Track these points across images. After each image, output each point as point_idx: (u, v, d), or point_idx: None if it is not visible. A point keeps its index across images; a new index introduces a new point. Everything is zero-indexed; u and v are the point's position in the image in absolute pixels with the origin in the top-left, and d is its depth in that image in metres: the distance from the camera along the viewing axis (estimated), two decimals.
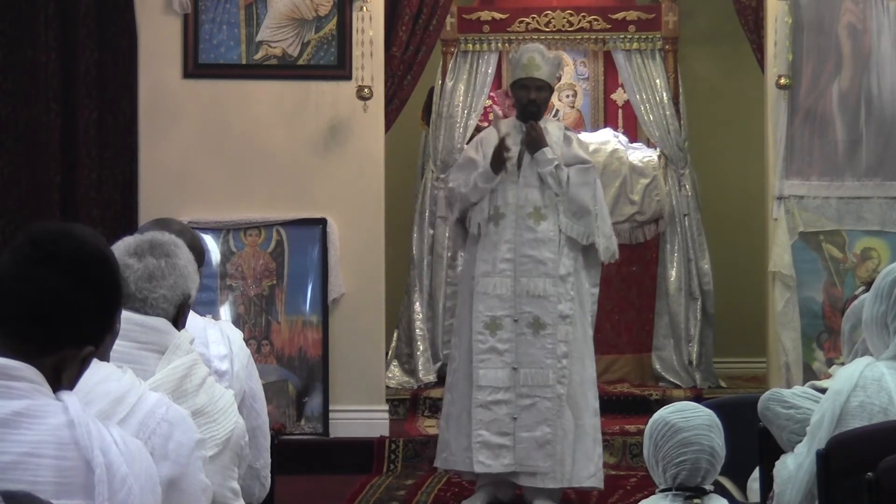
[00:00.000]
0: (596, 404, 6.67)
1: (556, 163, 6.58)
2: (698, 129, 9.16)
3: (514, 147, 6.67)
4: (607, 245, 6.68)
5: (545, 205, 6.60)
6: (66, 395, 2.26)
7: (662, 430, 3.80)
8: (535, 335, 6.53)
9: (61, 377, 2.28)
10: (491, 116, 6.78)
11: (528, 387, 6.52)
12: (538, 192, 6.61)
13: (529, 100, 6.65)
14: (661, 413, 3.87)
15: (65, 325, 2.25)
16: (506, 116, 8.92)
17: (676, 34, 8.95)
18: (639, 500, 6.83)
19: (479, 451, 6.49)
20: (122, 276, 2.32)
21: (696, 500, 3.74)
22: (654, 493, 3.91)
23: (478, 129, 8.77)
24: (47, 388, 2.25)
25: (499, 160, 6.57)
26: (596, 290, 6.79)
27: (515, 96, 6.81)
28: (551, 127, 6.79)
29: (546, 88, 6.70)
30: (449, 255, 8.75)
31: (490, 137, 6.78)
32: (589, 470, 6.55)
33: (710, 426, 3.82)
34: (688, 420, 3.81)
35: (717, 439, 3.81)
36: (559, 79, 6.97)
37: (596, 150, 8.91)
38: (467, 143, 8.75)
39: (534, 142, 6.60)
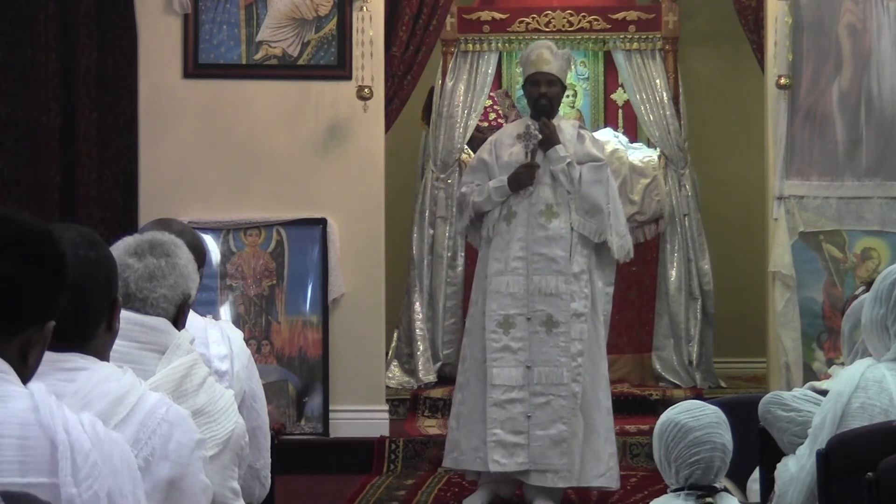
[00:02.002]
0: (608, 403, 6.65)
1: (569, 160, 6.58)
2: (698, 129, 9.16)
3: (518, 144, 6.67)
4: (621, 243, 6.65)
5: (557, 202, 6.59)
6: (32, 384, 2.29)
7: (673, 431, 3.80)
8: (549, 333, 6.52)
9: (28, 358, 2.30)
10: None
11: (543, 385, 6.51)
12: (550, 189, 6.61)
13: (540, 94, 6.66)
14: (669, 414, 3.86)
15: (23, 308, 2.27)
16: (505, 117, 8.95)
17: (676, 34, 8.95)
18: (639, 500, 6.86)
19: (493, 449, 6.48)
20: (64, 246, 2.33)
21: (708, 500, 3.75)
22: (664, 493, 3.91)
23: (478, 129, 8.79)
24: (14, 377, 2.27)
25: (519, 184, 6.57)
26: (610, 290, 6.77)
27: (527, 93, 6.81)
28: (565, 125, 6.78)
29: (557, 83, 6.70)
30: (449, 255, 8.75)
31: (504, 140, 6.77)
32: (598, 469, 6.53)
33: (719, 423, 3.83)
34: (697, 419, 3.81)
35: (725, 435, 3.83)
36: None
37: None
38: (467, 143, 8.78)
39: (546, 139, 6.60)
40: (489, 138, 7.04)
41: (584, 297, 6.56)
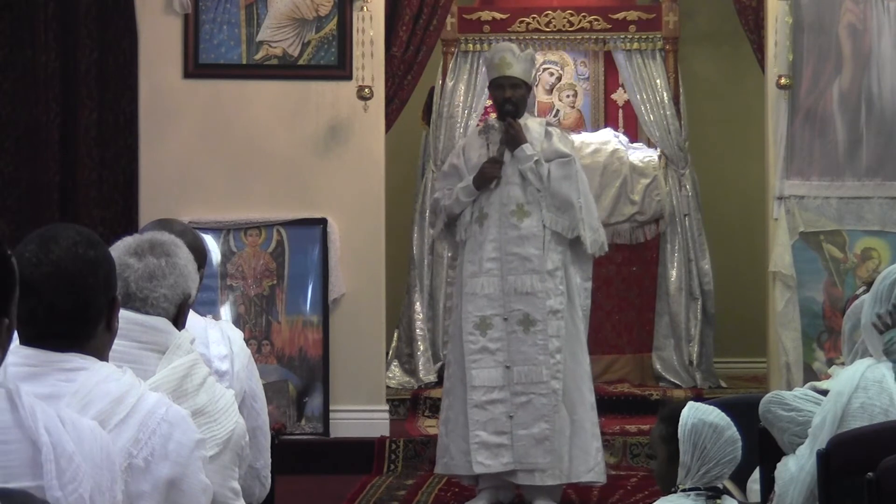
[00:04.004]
0: (592, 398, 6.65)
1: (536, 158, 6.56)
2: (698, 129, 9.16)
3: (492, 146, 6.65)
4: (594, 238, 6.62)
5: (528, 201, 6.58)
6: (9, 382, 2.26)
7: (709, 432, 3.84)
8: (526, 332, 6.52)
9: None
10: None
11: (523, 384, 6.50)
12: (520, 189, 6.59)
13: (505, 98, 6.63)
14: (696, 416, 3.88)
15: None
16: None
17: (676, 34, 8.96)
18: (639, 500, 6.86)
19: (477, 451, 6.47)
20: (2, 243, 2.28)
21: (717, 501, 3.78)
22: (669, 494, 3.92)
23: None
24: None
25: (484, 180, 6.57)
26: (589, 284, 6.74)
27: (492, 97, 6.81)
28: (532, 123, 6.76)
29: (521, 86, 6.66)
30: (449, 255, 8.74)
31: (473, 142, 6.77)
32: (587, 464, 6.54)
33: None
34: (723, 418, 3.88)
35: None
36: (538, 77, 6.96)
37: (596, 150, 8.92)
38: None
39: (513, 139, 6.59)
40: (458, 143, 7.05)
41: (560, 294, 6.56)
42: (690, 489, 3.82)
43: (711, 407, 3.95)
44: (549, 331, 6.51)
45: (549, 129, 6.77)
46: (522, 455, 6.47)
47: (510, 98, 6.62)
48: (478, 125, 8.74)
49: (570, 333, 6.58)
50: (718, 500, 3.81)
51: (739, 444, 3.89)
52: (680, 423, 3.89)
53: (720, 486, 3.87)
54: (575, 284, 6.64)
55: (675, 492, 3.88)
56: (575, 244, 6.63)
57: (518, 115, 6.65)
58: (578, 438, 6.54)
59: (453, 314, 6.83)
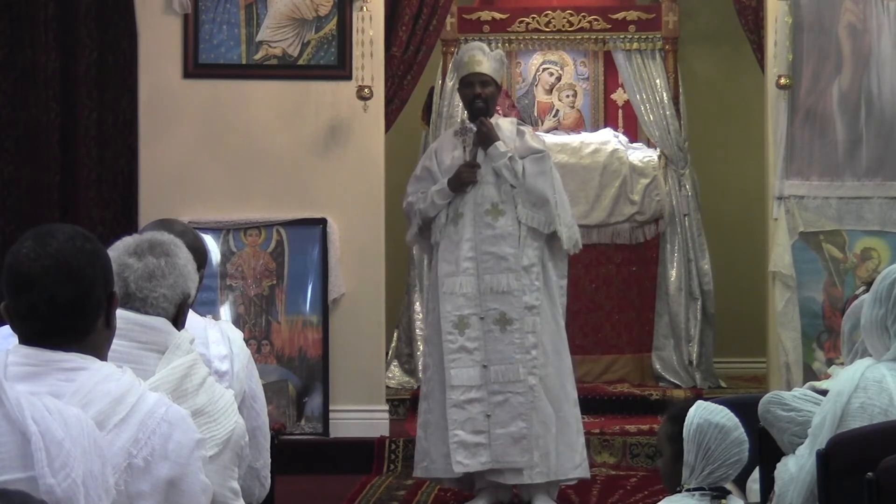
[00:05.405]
0: (574, 395, 6.65)
1: (510, 155, 6.55)
2: (698, 130, 9.16)
3: (458, 148, 6.64)
4: (569, 234, 6.60)
5: (502, 200, 6.57)
6: None
7: (714, 432, 3.83)
8: (503, 331, 6.51)
9: None
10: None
11: (500, 383, 6.49)
12: (494, 188, 6.58)
13: (475, 95, 6.60)
14: (703, 416, 3.87)
15: None
16: (506, 116, 8.94)
17: (676, 34, 8.96)
18: (639, 500, 6.86)
19: (456, 451, 6.46)
20: None
21: (722, 501, 3.78)
22: (667, 493, 3.92)
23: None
24: None
25: (459, 183, 6.56)
26: (564, 282, 6.72)
27: (462, 95, 6.76)
28: (503, 123, 6.75)
29: (491, 83, 6.63)
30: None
31: (446, 145, 6.76)
32: (573, 461, 6.53)
33: (740, 422, 3.90)
34: (730, 419, 3.87)
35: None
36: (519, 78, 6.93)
37: (596, 150, 8.92)
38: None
39: (485, 137, 6.57)
40: (430, 146, 7.04)
41: (536, 290, 6.54)
42: (695, 489, 3.82)
43: (720, 407, 3.93)
44: (525, 327, 6.50)
45: (521, 127, 6.76)
46: (500, 454, 6.46)
47: (480, 94, 6.59)
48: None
49: (550, 330, 6.57)
50: (724, 501, 3.80)
51: (746, 445, 3.86)
52: (685, 422, 3.89)
53: (726, 486, 3.86)
54: (552, 282, 6.64)
55: (680, 491, 3.88)
56: (551, 241, 6.62)
57: (489, 114, 6.63)
58: (564, 435, 6.54)
59: (430, 317, 6.80)
